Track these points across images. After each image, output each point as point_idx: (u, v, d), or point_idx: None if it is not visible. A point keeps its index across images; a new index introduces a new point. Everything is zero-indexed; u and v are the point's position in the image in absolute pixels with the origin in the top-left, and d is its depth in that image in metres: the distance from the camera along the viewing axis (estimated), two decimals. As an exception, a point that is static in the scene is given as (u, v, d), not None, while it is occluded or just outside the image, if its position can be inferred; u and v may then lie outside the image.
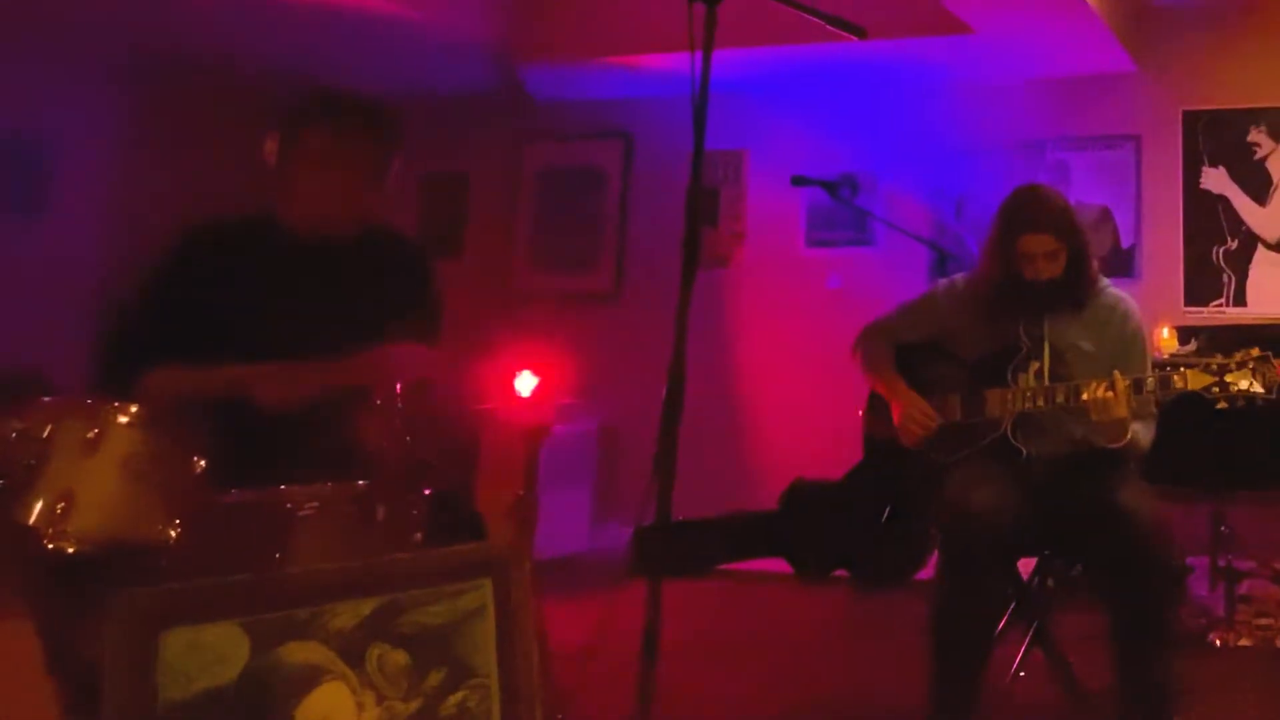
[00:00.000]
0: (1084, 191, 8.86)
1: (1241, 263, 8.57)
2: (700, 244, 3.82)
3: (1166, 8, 8.93)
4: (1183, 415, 5.05)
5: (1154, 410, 4.95)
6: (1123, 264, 8.77)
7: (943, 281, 5.50)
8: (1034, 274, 4.88)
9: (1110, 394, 4.52)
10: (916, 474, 5.12)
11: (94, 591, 2.90)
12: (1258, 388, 4.46)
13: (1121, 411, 4.54)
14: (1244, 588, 6.92)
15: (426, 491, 3.80)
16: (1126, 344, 5.02)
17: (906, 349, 5.30)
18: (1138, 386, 4.62)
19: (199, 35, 8.84)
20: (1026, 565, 5.31)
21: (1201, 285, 8.65)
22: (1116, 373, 4.57)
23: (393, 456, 3.61)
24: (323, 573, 2.99)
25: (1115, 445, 4.68)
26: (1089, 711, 5.12)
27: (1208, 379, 4.52)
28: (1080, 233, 5.00)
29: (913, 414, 5.00)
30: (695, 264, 3.77)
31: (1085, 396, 4.60)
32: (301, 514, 3.42)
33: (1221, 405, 4.55)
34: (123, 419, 3.46)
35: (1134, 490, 4.68)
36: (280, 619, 2.79)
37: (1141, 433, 4.85)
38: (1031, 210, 4.93)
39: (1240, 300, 8.52)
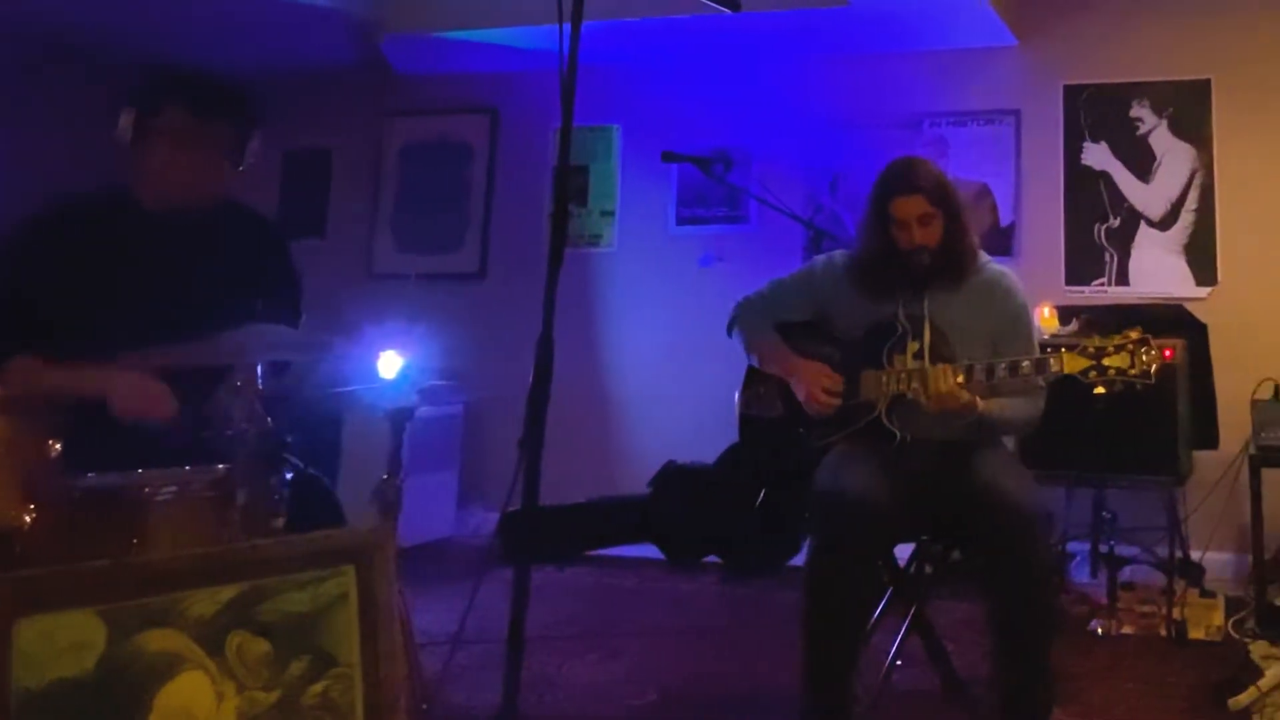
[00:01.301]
0: (962, 168, 8.81)
1: (1124, 241, 8.56)
2: (569, 222, 3.75)
3: (1047, -20, 8.97)
4: (1063, 397, 5.01)
5: (1040, 384, 4.91)
6: (1002, 242, 8.74)
7: (820, 257, 5.39)
8: (908, 240, 4.83)
9: (948, 386, 4.54)
10: (791, 457, 5.04)
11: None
12: (1135, 373, 4.42)
13: (956, 404, 4.56)
14: (1126, 574, 6.92)
15: (288, 475, 3.75)
16: (1009, 321, 4.97)
17: (781, 327, 5.21)
18: (990, 372, 4.61)
19: (52, 9, 8.66)
20: (905, 551, 5.23)
21: (1083, 264, 8.63)
22: (955, 367, 4.59)
23: (253, 439, 3.53)
24: (181, 559, 2.94)
25: (967, 420, 4.68)
26: (967, 701, 5.10)
27: (1085, 362, 4.48)
28: (955, 201, 4.95)
29: (819, 381, 4.91)
30: (563, 242, 3.67)
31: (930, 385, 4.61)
32: (159, 499, 3.40)
33: (1100, 390, 4.51)
34: (-27, 400, 3.40)
35: (1013, 474, 4.62)
36: (138, 607, 2.74)
37: (1022, 407, 4.84)
38: (904, 174, 4.89)
39: (1123, 279, 8.51)
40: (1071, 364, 4.50)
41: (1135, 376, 4.41)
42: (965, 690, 5.13)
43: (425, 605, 6.20)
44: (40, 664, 2.52)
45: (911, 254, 4.85)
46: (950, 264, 4.92)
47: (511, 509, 3.74)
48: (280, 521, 3.55)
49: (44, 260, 4.11)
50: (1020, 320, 5.01)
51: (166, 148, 4.16)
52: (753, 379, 5.26)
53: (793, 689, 4.58)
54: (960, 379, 4.54)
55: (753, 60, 9.51)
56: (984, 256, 5.11)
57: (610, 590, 7.59)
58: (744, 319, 5.26)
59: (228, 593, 2.86)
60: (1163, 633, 6.39)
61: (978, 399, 4.64)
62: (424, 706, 4.60)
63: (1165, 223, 8.44)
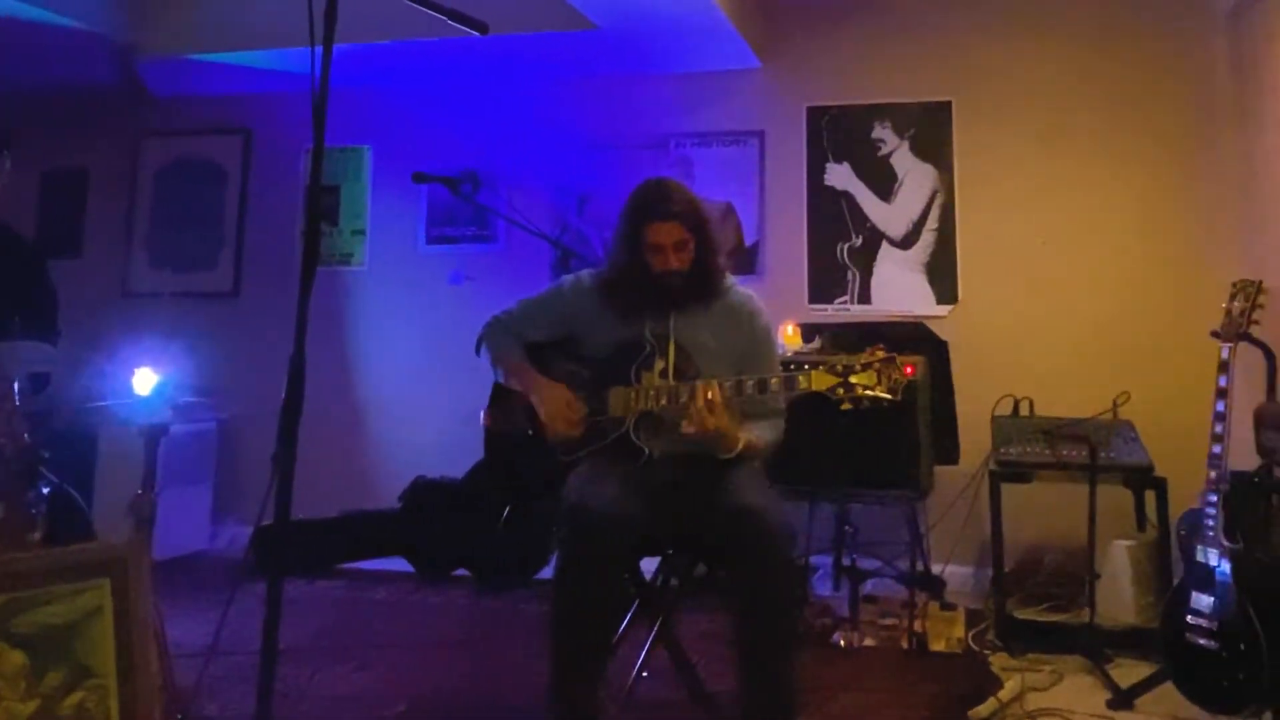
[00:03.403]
0: (707, 188, 8.91)
1: (866, 259, 8.74)
2: (320, 241, 3.79)
3: (789, 4, 9.11)
4: (807, 414, 5.07)
5: (781, 408, 5.02)
6: (746, 261, 8.91)
7: (569, 277, 5.41)
8: (663, 264, 4.90)
9: (705, 404, 4.56)
10: (538, 472, 5.07)
11: None
12: (882, 390, 4.47)
13: (714, 424, 4.59)
14: (868, 587, 6.98)
15: (44, 490, 3.76)
16: (754, 343, 5.07)
17: (531, 346, 5.26)
18: (739, 388, 4.66)
19: None
20: (651, 565, 5.30)
21: (826, 282, 8.80)
22: (708, 382, 4.64)
23: (10, 455, 3.55)
24: (-61, 572, 2.92)
25: (727, 456, 4.72)
26: (712, 711, 5.17)
27: (833, 380, 4.52)
28: (708, 224, 5.02)
29: (558, 409, 4.96)
30: (315, 261, 3.63)
31: (683, 400, 4.66)
32: (-81, 512, 3.36)
33: (847, 407, 4.53)
34: None
35: (757, 489, 4.62)
36: (-104, 619, 2.64)
37: (765, 433, 4.91)
38: (659, 199, 4.92)
39: (865, 297, 8.68)
40: (819, 382, 4.53)
41: (882, 395, 4.47)
42: (710, 701, 5.19)
43: (179, 617, 6.15)
44: None
45: (664, 277, 4.92)
46: (699, 285, 4.99)
47: (264, 523, 3.71)
48: (37, 535, 3.56)
49: None
50: (764, 342, 5.12)
51: None
52: (500, 396, 5.29)
53: (540, 700, 4.57)
54: (712, 394, 4.56)
55: (502, 82, 9.63)
56: (730, 278, 5.17)
57: (361, 603, 7.60)
58: (492, 337, 5.28)
59: (-15, 605, 2.90)
60: (904, 645, 6.47)
61: (741, 435, 4.72)
62: (178, 717, 4.60)
63: (907, 242, 8.64)
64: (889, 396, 4.49)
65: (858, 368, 4.51)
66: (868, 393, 4.48)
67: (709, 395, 4.57)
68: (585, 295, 5.20)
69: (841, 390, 4.51)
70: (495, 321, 5.33)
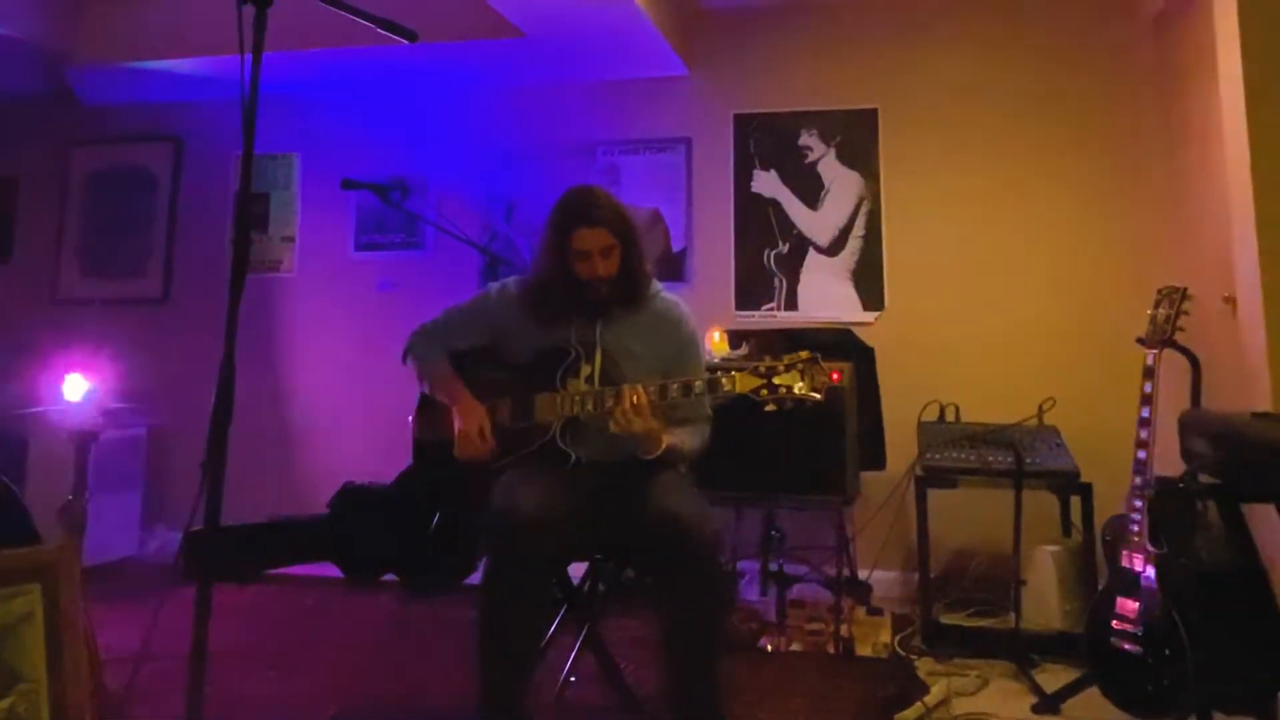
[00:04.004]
0: (635, 195, 9.00)
1: (793, 266, 8.77)
2: (250, 248, 3.80)
3: (717, 11, 9.14)
4: (734, 419, 5.10)
5: (708, 413, 5.07)
6: (674, 267, 8.92)
7: (494, 285, 5.42)
8: (590, 272, 4.92)
9: (631, 407, 4.59)
10: (466, 478, 5.06)
11: None
12: (805, 389, 4.48)
13: (640, 426, 4.61)
14: (795, 592, 7.03)
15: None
16: (680, 348, 5.09)
17: (457, 354, 5.26)
18: (663, 392, 4.66)
19: None
20: (579, 570, 5.34)
21: (753, 289, 8.83)
22: (634, 387, 4.65)
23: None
24: None
25: (650, 456, 4.74)
26: (639, 715, 5.20)
27: (756, 381, 4.54)
28: (634, 231, 5.05)
29: (471, 435, 4.97)
30: (245, 268, 3.65)
31: (609, 404, 4.68)
32: None
33: (771, 408, 4.54)
34: None
35: (683, 495, 4.66)
36: None
37: (690, 439, 4.95)
38: (585, 206, 4.95)
39: (792, 304, 8.72)
40: (743, 383, 4.55)
41: (805, 395, 4.48)
42: (638, 706, 5.22)
43: (110, 622, 6.12)
44: None
45: (591, 285, 4.95)
46: (625, 292, 5.02)
47: (194, 528, 3.70)
48: (-30, 541, 3.57)
49: None
50: (690, 348, 5.13)
51: None
52: (427, 404, 5.32)
53: (468, 704, 4.58)
54: (637, 399, 4.58)
55: (431, 90, 9.66)
56: (657, 285, 5.20)
57: (291, 608, 7.58)
58: (418, 348, 5.30)
59: (-85, 610, 2.90)
60: (831, 649, 6.47)
61: (664, 435, 4.73)
62: (108, 722, 4.63)
63: (833, 249, 8.66)
64: (814, 395, 4.50)
65: (781, 369, 4.53)
66: (792, 392, 4.49)
67: (634, 399, 4.59)
68: (511, 302, 5.21)
69: (765, 391, 4.53)
70: (421, 331, 5.35)
